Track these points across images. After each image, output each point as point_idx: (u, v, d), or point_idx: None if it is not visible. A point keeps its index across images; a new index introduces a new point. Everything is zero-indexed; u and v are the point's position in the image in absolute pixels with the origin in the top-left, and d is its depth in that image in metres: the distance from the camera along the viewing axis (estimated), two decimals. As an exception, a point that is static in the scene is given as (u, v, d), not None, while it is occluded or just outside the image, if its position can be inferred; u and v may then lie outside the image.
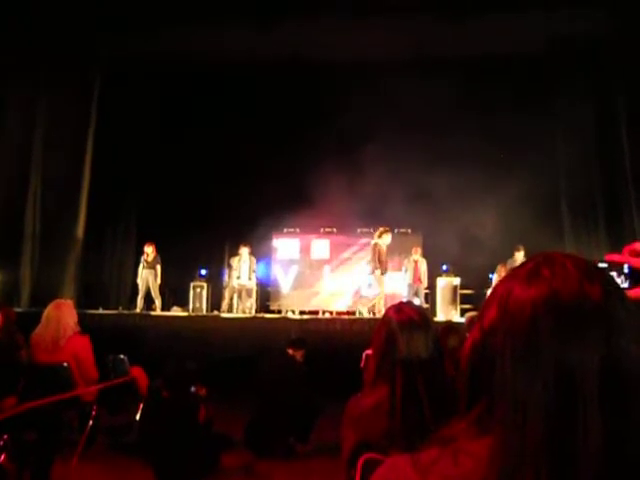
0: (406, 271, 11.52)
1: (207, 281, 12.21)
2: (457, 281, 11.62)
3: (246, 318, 10.52)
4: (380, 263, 9.82)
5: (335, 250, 13.50)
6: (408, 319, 1.74)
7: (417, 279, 11.35)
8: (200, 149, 12.29)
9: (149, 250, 11.16)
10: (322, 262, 13.45)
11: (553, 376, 0.67)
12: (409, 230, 13.15)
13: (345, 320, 10.24)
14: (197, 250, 12.55)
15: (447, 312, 11.32)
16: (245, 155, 12.20)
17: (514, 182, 10.26)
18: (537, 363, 0.68)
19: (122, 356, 5.58)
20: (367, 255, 13.02)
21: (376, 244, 9.96)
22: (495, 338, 0.71)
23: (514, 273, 0.76)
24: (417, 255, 11.41)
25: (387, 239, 10.03)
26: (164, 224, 12.32)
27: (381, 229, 10.08)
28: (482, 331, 0.74)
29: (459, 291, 11.59)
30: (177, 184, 12.61)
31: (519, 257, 10.59)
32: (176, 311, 11.70)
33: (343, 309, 12.93)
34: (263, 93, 12.07)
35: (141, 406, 5.26)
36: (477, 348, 0.74)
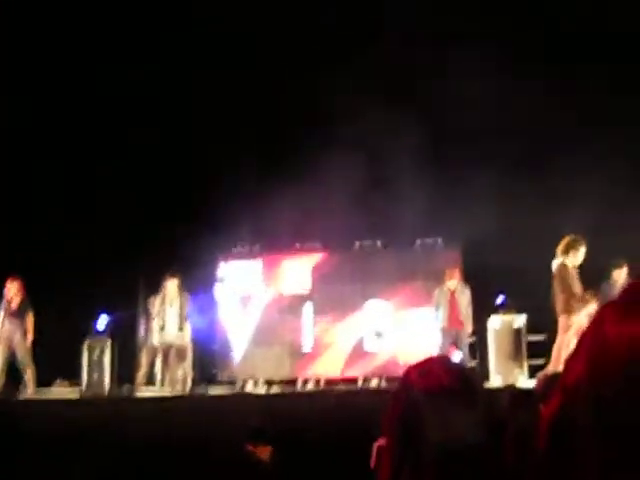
0: (437, 308, 11.58)
1: (111, 337, 12.13)
2: (521, 321, 11.68)
3: (177, 398, 10.46)
4: (570, 296, 9.70)
5: (321, 278, 13.52)
6: (440, 387, 1.73)
7: (455, 320, 11.41)
8: (87, 108, 12.34)
9: (12, 289, 11.08)
10: (300, 298, 13.47)
11: None
12: (439, 240, 13.24)
13: (342, 392, 10.21)
14: (92, 286, 12.48)
15: (507, 372, 11.37)
16: (168, 123, 12.23)
17: (616, 158, 10.41)
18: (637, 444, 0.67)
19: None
20: (372, 282, 13.12)
21: (563, 266, 9.84)
22: (578, 403, 0.72)
23: (611, 304, 0.78)
24: (454, 281, 11.48)
25: (579, 256, 9.85)
26: (30, 243, 12.24)
27: (567, 239, 9.93)
28: (564, 395, 0.75)
29: (525, 337, 11.66)
30: (51, 169, 12.58)
31: (619, 279, 10.66)
32: (61, 388, 11.58)
33: (336, 374, 12.94)
34: None
35: None
36: (557, 422, 0.75)
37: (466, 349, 11.37)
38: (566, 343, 9.73)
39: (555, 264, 9.89)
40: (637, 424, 0.69)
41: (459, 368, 1.85)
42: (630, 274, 10.65)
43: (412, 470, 1.70)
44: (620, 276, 10.71)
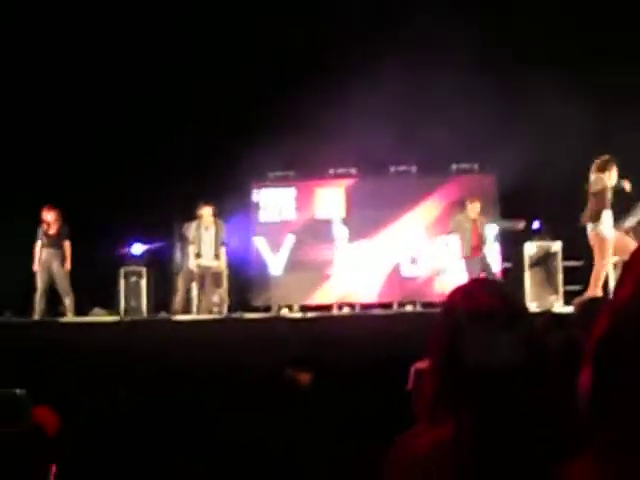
0: (456, 235, 11.63)
1: (147, 264, 12.28)
2: (557, 247, 11.64)
3: (214, 321, 10.59)
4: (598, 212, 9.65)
5: (355, 203, 13.50)
6: (482, 309, 1.75)
7: (477, 248, 11.43)
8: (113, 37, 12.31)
9: (50, 217, 11.21)
10: (335, 224, 13.48)
11: None
12: (475, 166, 13.14)
13: (379, 316, 10.26)
14: (127, 213, 12.58)
15: (542, 298, 11.39)
16: (196, 49, 12.18)
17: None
18: None
19: (18, 391, 5.65)
20: (411, 209, 13.12)
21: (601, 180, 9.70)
22: (627, 322, 0.73)
23: None
24: (476, 210, 11.44)
25: (613, 176, 9.67)
26: (65, 171, 12.32)
27: (603, 158, 9.71)
28: (613, 316, 0.76)
29: (561, 263, 11.63)
30: (84, 99, 12.60)
31: None
32: (99, 315, 11.79)
33: (373, 299, 13.02)
34: None
35: (54, 470, 5.35)
36: (606, 343, 0.76)
37: (492, 276, 11.42)
38: (603, 270, 9.71)
39: (593, 178, 9.77)
40: None
41: (502, 290, 1.87)
42: None
43: (453, 395, 1.73)
44: None
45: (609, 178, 9.62)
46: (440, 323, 1.80)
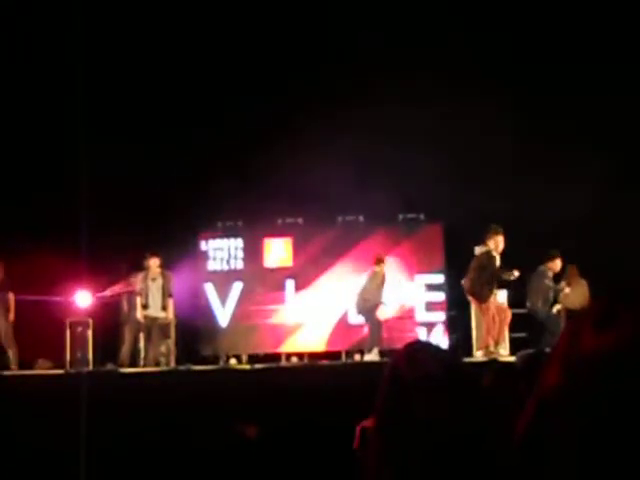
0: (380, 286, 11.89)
1: (92, 315, 12.12)
2: (503, 295, 11.75)
3: (162, 373, 10.48)
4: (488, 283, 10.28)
5: (302, 253, 13.53)
6: (426, 375, 1.78)
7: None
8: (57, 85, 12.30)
9: (-8, 269, 11.09)
10: (283, 273, 13.49)
11: None
12: (421, 215, 13.27)
13: (328, 367, 10.23)
14: (71, 264, 12.45)
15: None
16: (147, 102, 12.20)
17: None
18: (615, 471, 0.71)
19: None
20: (355, 256, 13.21)
21: (487, 255, 10.34)
22: (554, 418, 0.75)
23: (587, 314, 0.80)
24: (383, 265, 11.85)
25: (500, 244, 10.38)
26: (7, 219, 12.24)
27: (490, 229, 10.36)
28: (538, 405, 0.78)
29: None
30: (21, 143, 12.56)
31: (554, 268, 11.22)
32: (44, 368, 11.58)
33: (320, 349, 13.00)
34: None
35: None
36: (531, 433, 0.78)
37: None
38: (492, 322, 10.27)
39: (479, 251, 10.32)
40: (608, 437, 0.71)
41: (444, 355, 1.91)
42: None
43: (400, 459, 1.75)
44: (555, 266, 11.16)
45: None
46: (386, 389, 1.83)
